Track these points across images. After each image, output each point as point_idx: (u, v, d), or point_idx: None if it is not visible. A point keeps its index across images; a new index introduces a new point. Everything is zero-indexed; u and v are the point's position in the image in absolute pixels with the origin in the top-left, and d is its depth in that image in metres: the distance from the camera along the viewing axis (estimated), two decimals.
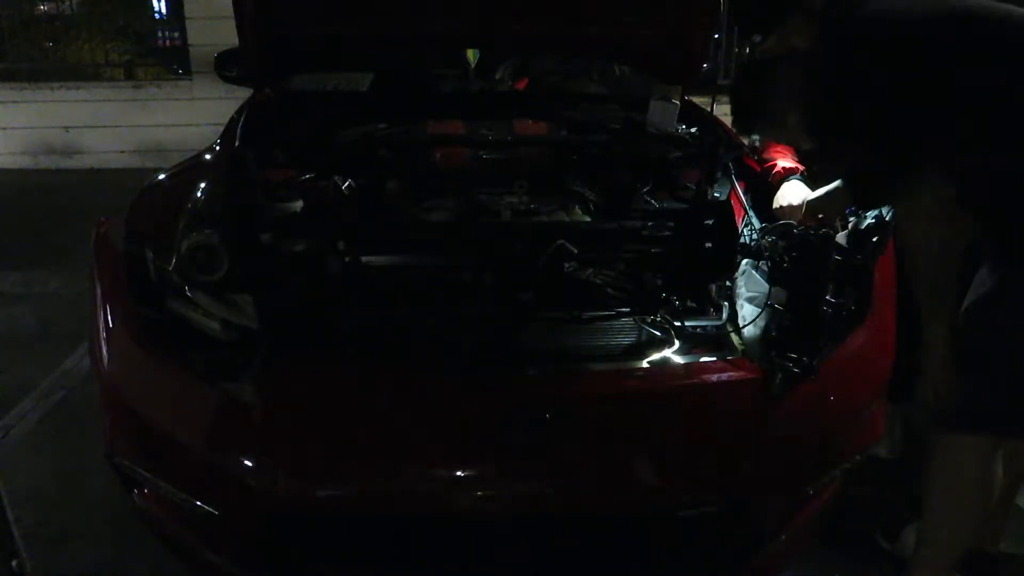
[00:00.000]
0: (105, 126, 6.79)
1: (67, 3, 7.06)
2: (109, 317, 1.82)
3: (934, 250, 1.66)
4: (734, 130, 2.31)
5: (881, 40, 1.61)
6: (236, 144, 2.32)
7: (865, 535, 2.22)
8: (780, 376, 1.73)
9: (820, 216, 2.07)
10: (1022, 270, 1.60)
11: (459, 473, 1.65)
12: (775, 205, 2.25)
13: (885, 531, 2.21)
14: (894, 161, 1.64)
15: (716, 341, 1.93)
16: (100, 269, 1.92)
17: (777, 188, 2.30)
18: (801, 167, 2.30)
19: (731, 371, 1.80)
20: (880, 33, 1.62)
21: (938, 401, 1.72)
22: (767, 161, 2.48)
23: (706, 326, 1.95)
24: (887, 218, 1.92)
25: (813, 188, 2.18)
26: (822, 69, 1.69)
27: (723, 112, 3.01)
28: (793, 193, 2.21)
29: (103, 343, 1.81)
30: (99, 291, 1.87)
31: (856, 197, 1.93)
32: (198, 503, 1.66)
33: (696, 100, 2.98)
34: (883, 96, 1.60)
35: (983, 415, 1.69)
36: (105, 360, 1.80)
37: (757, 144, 2.55)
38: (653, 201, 2.28)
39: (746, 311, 1.96)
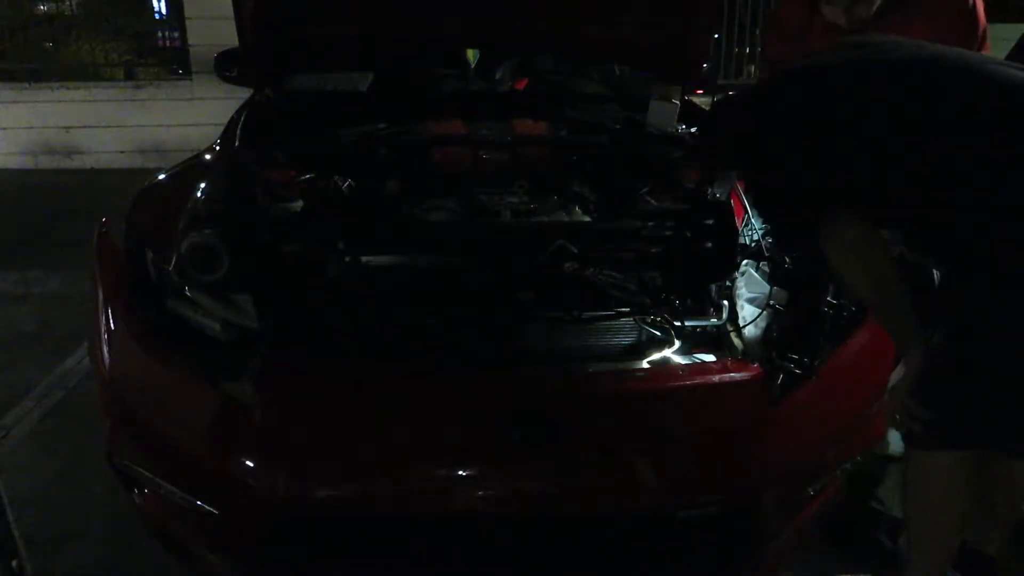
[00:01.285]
0: (105, 126, 6.79)
1: (67, 3, 7.06)
2: (110, 318, 1.82)
3: (864, 285, 1.64)
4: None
5: (806, 90, 1.63)
6: (236, 144, 2.31)
7: (867, 534, 2.22)
8: (780, 376, 1.73)
9: None
10: (983, 303, 1.58)
11: (459, 473, 1.65)
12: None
13: (888, 530, 2.22)
14: (816, 207, 1.61)
15: (716, 341, 1.92)
16: (102, 270, 1.92)
17: None
18: None
19: (731, 371, 1.80)
20: (806, 83, 1.65)
21: (900, 422, 1.72)
22: None
23: (706, 326, 1.95)
24: None
25: None
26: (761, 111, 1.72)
27: None
28: None
29: (104, 344, 1.80)
30: (100, 292, 1.87)
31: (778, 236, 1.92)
32: (198, 503, 1.66)
33: (696, 100, 2.98)
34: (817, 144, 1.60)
35: (941, 437, 1.69)
36: (106, 361, 1.79)
37: None
38: (653, 201, 2.28)
39: (746, 311, 1.96)
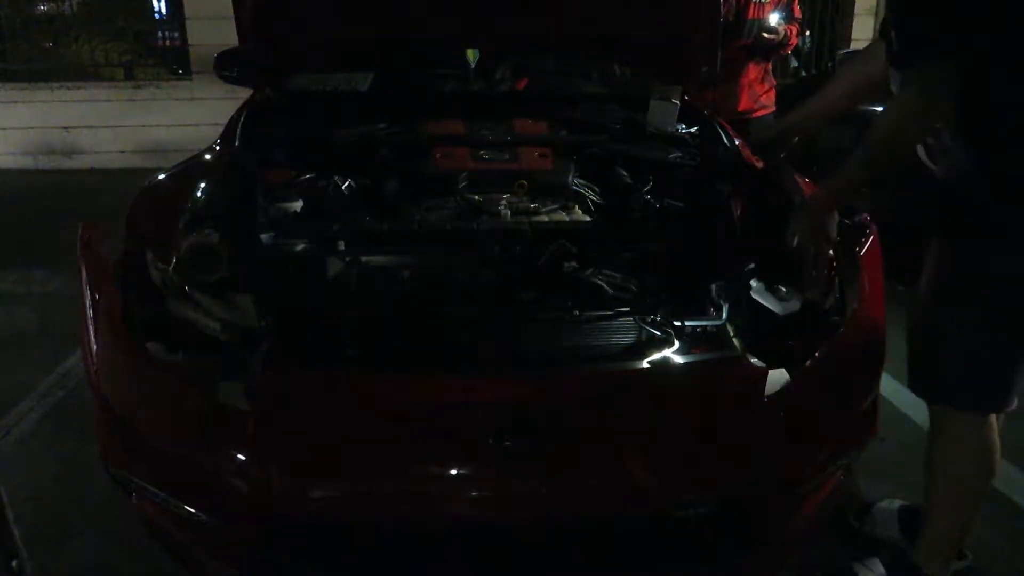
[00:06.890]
0: (105, 126, 6.79)
1: (67, 3, 7.06)
2: (100, 326, 1.80)
3: (890, 135, 1.68)
4: None
5: None
6: (236, 144, 2.31)
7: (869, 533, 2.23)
8: (776, 373, 1.72)
9: None
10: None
11: (457, 477, 1.64)
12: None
13: (856, 510, 2.24)
14: None
15: (716, 341, 1.92)
16: (88, 276, 1.90)
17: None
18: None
19: (730, 370, 1.80)
20: None
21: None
22: None
23: (706, 326, 1.95)
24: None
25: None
26: None
27: None
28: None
29: (93, 354, 1.79)
30: (87, 299, 1.86)
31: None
32: (194, 512, 1.64)
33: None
34: None
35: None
36: (96, 371, 1.77)
37: None
38: (653, 201, 2.28)
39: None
